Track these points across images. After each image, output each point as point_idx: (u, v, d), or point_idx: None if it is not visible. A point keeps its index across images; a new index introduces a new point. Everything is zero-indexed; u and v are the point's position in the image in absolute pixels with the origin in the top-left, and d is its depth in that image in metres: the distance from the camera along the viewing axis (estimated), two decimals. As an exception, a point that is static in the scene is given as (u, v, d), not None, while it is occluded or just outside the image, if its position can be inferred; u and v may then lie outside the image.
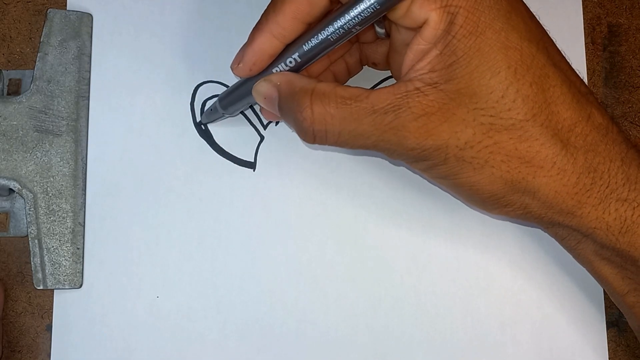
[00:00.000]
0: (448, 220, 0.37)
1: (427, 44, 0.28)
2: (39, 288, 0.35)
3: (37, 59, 0.37)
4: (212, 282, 0.37)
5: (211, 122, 0.38)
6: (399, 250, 0.37)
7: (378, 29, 0.33)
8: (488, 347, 0.36)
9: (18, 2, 0.39)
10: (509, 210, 0.31)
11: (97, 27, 0.38)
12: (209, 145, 0.38)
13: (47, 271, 0.36)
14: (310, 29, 0.30)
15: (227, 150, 0.38)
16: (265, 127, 0.38)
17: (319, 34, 0.29)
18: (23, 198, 0.36)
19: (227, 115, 0.36)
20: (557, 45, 0.31)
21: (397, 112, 0.28)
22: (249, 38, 0.31)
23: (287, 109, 0.30)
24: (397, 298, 0.37)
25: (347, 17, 0.28)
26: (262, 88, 0.31)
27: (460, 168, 0.29)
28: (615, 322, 0.37)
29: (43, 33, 0.37)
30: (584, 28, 0.39)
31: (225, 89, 0.38)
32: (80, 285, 0.36)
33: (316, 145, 0.32)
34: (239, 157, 0.38)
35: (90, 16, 0.38)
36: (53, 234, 0.36)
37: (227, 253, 0.37)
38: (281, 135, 0.38)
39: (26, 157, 0.36)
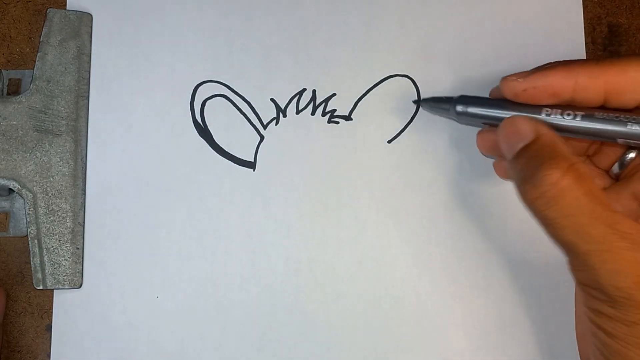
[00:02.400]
0: (448, 220, 0.37)
1: None
2: (38, 288, 0.35)
3: (37, 58, 0.37)
4: (212, 282, 0.37)
5: (428, 109, 0.36)
6: (399, 250, 0.37)
7: (616, 167, 0.32)
8: (488, 347, 0.36)
9: (18, 2, 0.39)
10: None
11: (97, 27, 0.38)
12: (209, 145, 0.38)
13: (46, 271, 0.36)
14: (603, 106, 0.29)
15: (227, 150, 0.38)
16: (265, 127, 0.38)
17: (622, 125, 0.28)
18: (23, 198, 0.36)
19: (453, 118, 0.34)
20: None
21: (635, 245, 0.26)
22: (547, 65, 0.30)
23: (535, 157, 0.28)
24: (397, 298, 0.37)
25: None
26: (522, 124, 0.29)
27: (630, 336, 0.27)
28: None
29: (43, 33, 0.37)
30: (584, 28, 0.39)
31: (225, 88, 0.38)
32: (80, 285, 0.36)
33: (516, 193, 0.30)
34: (239, 157, 0.38)
35: (90, 16, 0.38)
36: (53, 234, 0.36)
37: (227, 253, 0.37)
38: (281, 135, 0.38)
39: (26, 157, 0.36)
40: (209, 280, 0.37)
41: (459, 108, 0.33)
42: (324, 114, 0.38)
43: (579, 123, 0.29)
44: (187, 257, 0.37)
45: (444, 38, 0.39)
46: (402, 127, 0.38)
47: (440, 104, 0.35)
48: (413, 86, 0.38)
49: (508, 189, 0.37)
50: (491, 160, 0.37)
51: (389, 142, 0.38)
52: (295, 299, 0.37)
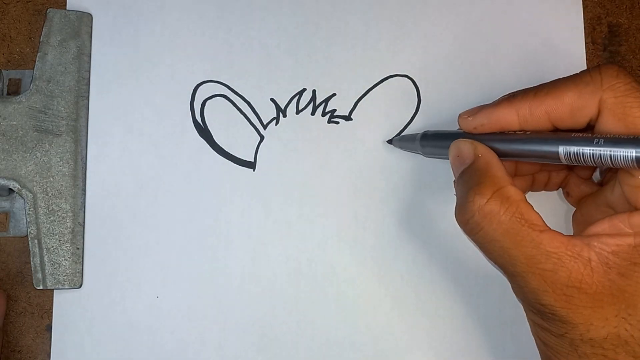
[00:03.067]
0: (448, 220, 0.37)
1: (630, 228, 0.27)
2: (38, 288, 0.35)
3: (37, 58, 0.37)
4: (212, 282, 0.37)
5: (402, 148, 0.37)
6: (399, 250, 0.37)
7: (597, 173, 0.32)
8: (488, 347, 0.36)
9: (18, 2, 0.39)
10: None
11: (96, 27, 0.38)
12: (209, 145, 0.38)
13: (46, 271, 0.36)
14: (552, 131, 0.29)
15: (227, 150, 0.38)
16: (265, 127, 0.38)
17: (559, 145, 0.27)
18: (23, 198, 0.36)
19: (420, 153, 0.36)
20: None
21: (557, 265, 0.27)
22: (494, 102, 0.30)
23: (467, 182, 0.29)
24: (397, 298, 0.37)
25: (598, 151, 0.26)
26: (463, 147, 0.31)
27: (567, 352, 0.28)
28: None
29: (43, 33, 0.37)
30: (584, 28, 0.39)
31: (225, 88, 0.38)
32: (80, 285, 0.36)
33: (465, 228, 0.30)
34: (239, 157, 0.38)
35: (90, 16, 0.38)
36: (53, 234, 0.36)
37: (227, 253, 0.37)
38: (281, 135, 0.38)
39: (26, 157, 0.36)
40: (209, 280, 0.37)
41: (422, 143, 0.35)
42: (324, 114, 0.38)
43: (519, 146, 0.29)
44: (187, 257, 0.37)
45: (444, 38, 0.39)
46: (402, 127, 0.38)
47: (407, 142, 0.36)
48: (413, 86, 0.38)
49: (508, 189, 0.37)
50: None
51: (389, 142, 0.38)
52: (295, 299, 0.37)
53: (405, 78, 0.38)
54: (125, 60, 0.38)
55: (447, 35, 0.39)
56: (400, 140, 0.37)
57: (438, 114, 0.38)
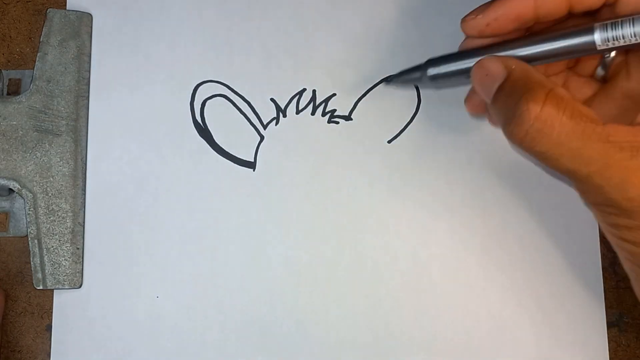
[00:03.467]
0: (448, 220, 0.37)
1: None
2: (38, 288, 0.35)
3: (37, 58, 0.37)
4: (212, 282, 0.37)
5: (403, 84, 0.35)
6: (399, 250, 0.37)
7: (599, 70, 0.31)
8: (488, 347, 0.36)
9: (18, 2, 0.39)
10: None
11: (96, 27, 0.38)
12: (209, 145, 0.38)
13: (46, 271, 0.36)
14: (568, 18, 0.27)
15: (227, 150, 0.38)
16: (265, 127, 0.38)
17: (586, 35, 0.26)
18: (23, 198, 0.36)
19: (429, 87, 0.33)
20: None
21: (634, 152, 0.25)
22: None
23: (511, 94, 0.27)
24: (397, 298, 0.37)
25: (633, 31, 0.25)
26: (491, 64, 0.28)
27: None
28: (616, 322, 0.37)
29: (43, 33, 0.37)
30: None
31: (225, 88, 0.38)
32: (80, 285, 0.36)
33: (516, 149, 0.29)
34: (239, 157, 0.38)
35: (90, 16, 0.38)
36: (53, 234, 0.36)
37: (227, 253, 0.37)
38: (281, 135, 0.38)
39: (26, 157, 0.36)
40: (209, 280, 0.37)
41: (431, 72, 0.32)
42: (324, 114, 0.38)
43: (548, 46, 0.28)
44: (187, 257, 0.37)
45: (443, 38, 0.39)
46: (402, 127, 0.38)
47: (411, 75, 0.34)
48: (413, 86, 0.38)
49: (508, 189, 0.37)
50: (493, 157, 0.37)
51: (389, 142, 0.38)
52: (295, 299, 0.37)
53: (405, 78, 0.38)
54: (125, 60, 0.38)
55: (447, 35, 0.39)
56: (400, 76, 0.35)
57: (438, 114, 0.38)
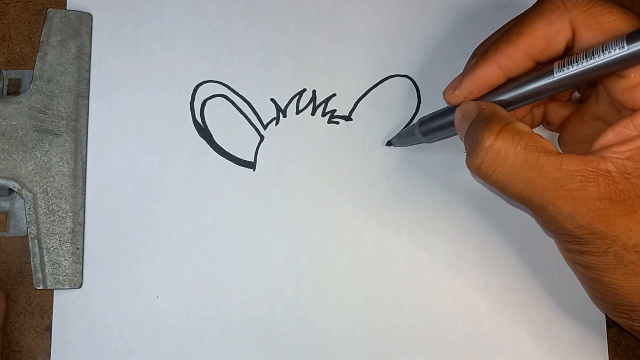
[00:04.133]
0: (448, 220, 0.37)
1: (635, 130, 0.27)
2: (38, 288, 0.35)
3: (37, 58, 0.37)
4: (212, 282, 0.37)
5: (403, 145, 0.37)
6: (399, 250, 0.37)
7: (576, 92, 0.33)
8: (488, 347, 0.36)
9: (18, 2, 0.39)
10: (634, 324, 0.30)
11: (97, 27, 0.38)
12: (209, 145, 0.38)
13: (46, 271, 0.36)
14: (538, 68, 0.29)
15: (227, 150, 0.38)
16: (265, 127, 0.38)
17: (548, 77, 0.28)
18: (23, 198, 0.36)
19: (423, 141, 0.36)
20: None
21: (584, 182, 0.27)
22: (470, 67, 0.31)
23: (476, 129, 0.29)
24: (397, 298, 0.37)
25: (588, 64, 0.27)
26: (466, 107, 0.31)
27: (613, 267, 0.28)
28: (616, 322, 0.37)
29: (43, 33, 0.37)
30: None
31: (225, 88, 0.38)
32: (80, 285, 0.36)
33: (477, 177, 0.31)
34: (239, 157, 0.38)
35: (90, 16, 0.38)
36: (53, 234, 0.36)
37: (227, 253, 0.37)
38: (281, 135, 0.38)
39: (26, 157, 0.36)
40: (209, 280, 0.37)
41: (422, 129, 0.35)
42: (324, 114, 0.38)
43: (526, 92, 0.30)
44: (187, 257, 0.37)
45: (444, 38, 0.39)
46: (402, 127, 0.38)
47: (409, 140, 0.37)
48: (413, 86, 0.38)
49: (508, 189, 0.37)
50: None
51: (388, 144, 0.38)
52: (295, 299, 0.37)
53: (405, 78, 0.39)
54: (125, 60, 0.38)
55: (447, 35, 0.39)
56: (399, 138, 0.37)
57: (438, 114, 0.38)
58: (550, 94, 0.30)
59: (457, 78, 0.31)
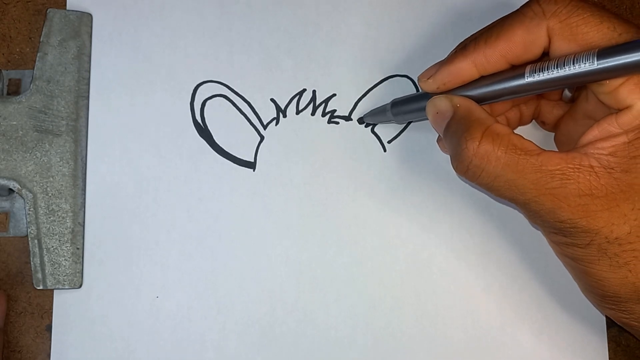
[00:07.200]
0: (448, 221, 0.37)
1: (619, 128, 0.28)
2: (38, 288, 0.35)
3: (37, 58, 0.37)
4: (212, 282, 0.37)
5: (374, 123, 0.38)
6: (399, 250, 0.37)
7: (567, 92, 0.33)
8: (488, 347, 0.36)
9: (18, 2, 0.39)
10: (622, 315, 0.31)
11: (97, 27, 0.38)
12: (209, 145, 0.38)
13: (46, 271, 0.36)
14: (512, 69, 0.30)
15: (227, 150, 0.38)
16: (265, 127, 0.38)
17: (519, 79, 0.29)
18: (23, 198, 0.36)
19: (393, 121, 0.37)
20: None
21: (564, 180, 0.28)
22: (448, 58, 0.31)
23: (455, 132, 0.30)
24: (397, 298, 0.37)
25: (557, 73, 0.28)
26: (440, 103, 0.31)
27: (597, 259, 0.29)
28: (616, 323, 0.37)
29: (43, 33, 0.37)
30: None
31: (225, 88, 0.38)
32: (80, 286, 0.36)
33: (465, 179, 0.32)
34: (239, 157, 0.38)
35: (90, 16, 0.38)
36: (53, 234, 0.36)
37: (227, 253, 0.37)
38: (281, 135, 0.38)
39: (26, 157, 0.36)
40: (209, 280, 0.37)
41: (394, 111, 0.36)
42: (324, 114, 0.38)
43: (499, 89, 0.30)
44: (187, 257, 0.37)
45: (443, 38, 0.39)
46: (402, 127, 0.38)
47: (380, 118, 0.37)
48: (413, 86, 0.38)
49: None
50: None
51: (389, 142, 0.38)
52: (295, 299, 0.37)
53: (405, 78, 0.39)
54: (125, 60, 0.38)
55: (447, 35, 0.39)
56: (371, 115, 0.37)
57: (438, 114, 0.38)
58: (521, 95, 0.30)
59: (434, 66, 0.32)
